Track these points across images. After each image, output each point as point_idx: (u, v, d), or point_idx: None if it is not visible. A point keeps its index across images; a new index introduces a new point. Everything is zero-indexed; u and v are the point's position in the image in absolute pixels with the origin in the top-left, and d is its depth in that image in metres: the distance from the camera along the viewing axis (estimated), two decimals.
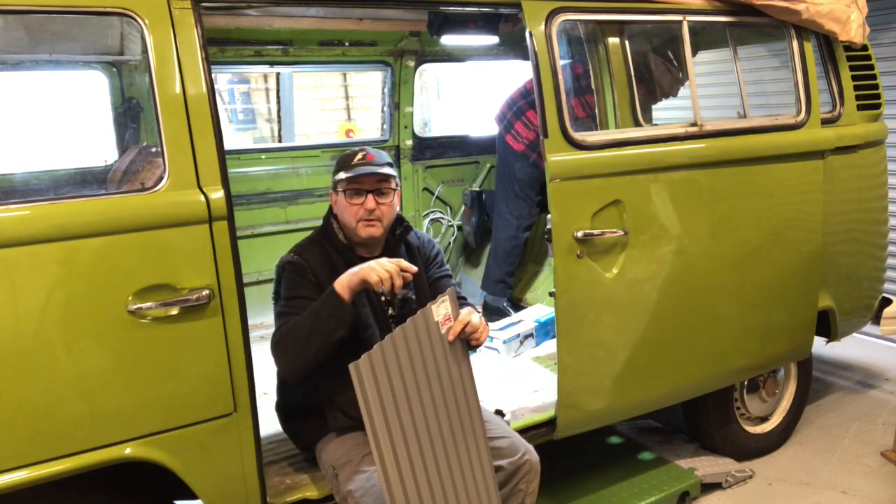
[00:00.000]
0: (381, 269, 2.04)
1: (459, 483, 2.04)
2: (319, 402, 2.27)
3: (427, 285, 2.41)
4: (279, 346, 2.12)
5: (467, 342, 2.10)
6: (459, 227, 4.48)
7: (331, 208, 2.35)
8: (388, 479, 1.86)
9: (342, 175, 2.24)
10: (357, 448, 2.20)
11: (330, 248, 2.28)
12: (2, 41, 2.34)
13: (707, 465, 3.19)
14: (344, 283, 2.06)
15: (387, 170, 2.25)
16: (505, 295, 4.07)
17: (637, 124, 3.26)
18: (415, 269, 2.12)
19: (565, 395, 2.61)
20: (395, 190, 2.28)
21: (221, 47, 3.49)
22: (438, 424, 2.00)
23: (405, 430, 1.91)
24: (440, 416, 2.00)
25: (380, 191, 2.23)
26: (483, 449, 2.12)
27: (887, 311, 3.57)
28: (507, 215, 3.97)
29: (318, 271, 2.22)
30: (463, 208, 4.42)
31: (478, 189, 4.39)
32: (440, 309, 2.02)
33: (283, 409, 2.43)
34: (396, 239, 2.37)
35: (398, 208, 2.34)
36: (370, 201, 2.22)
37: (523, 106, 3.85)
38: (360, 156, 2.27)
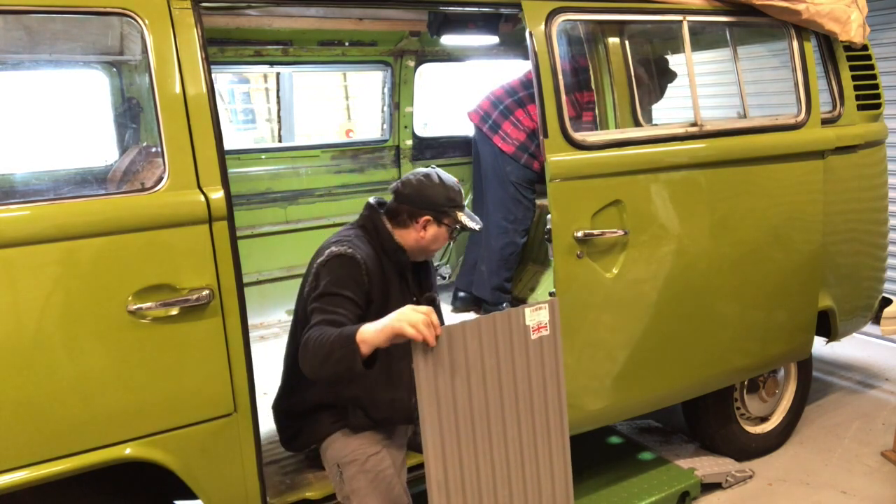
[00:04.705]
0: (421, 327, 1.79)
1: (517, 493, 2.02)
2: (340, 398, 2.24)
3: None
4: (303, 352, 2.01)
5: None
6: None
7: (371, 206, 2.30)
8: (430, 464, 1.87)
9: (466, 219, 2.28)
10: (363, 447, 2.20)
11: (380, 248, 2.25)
12: (2, 41, 2.34)
13: (707, 465, 3.19)
14: (369, 337, 1.86)
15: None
16: (505, 300, 4.02)
17: (637, 124, 3.27)
18: (440, 329, 1.88)
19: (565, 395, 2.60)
20: None
21: (221, 47, 3.49)
22: (504, 427, 1.96)
23: (458, 420, 1.89)
24: (507, 416, 1.97)
25: None
26: (560, 465, 2.09)
27: (887, 311, 3.57)
28: (502, 221, 3.83)
29: (371, 273, 2.15)
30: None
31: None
32: (535, 315, 2.00)
33: (284, 408, 2.40)
34: None
35: None
36: (446, 239, 2.34)
37: (511, 105, 3.73)
38: (463, 198, 2.34)
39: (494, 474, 1.98)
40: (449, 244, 2.50)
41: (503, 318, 1.95)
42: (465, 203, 4.31)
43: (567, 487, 2.12)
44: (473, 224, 2.29)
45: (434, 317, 1.81)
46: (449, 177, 2.33)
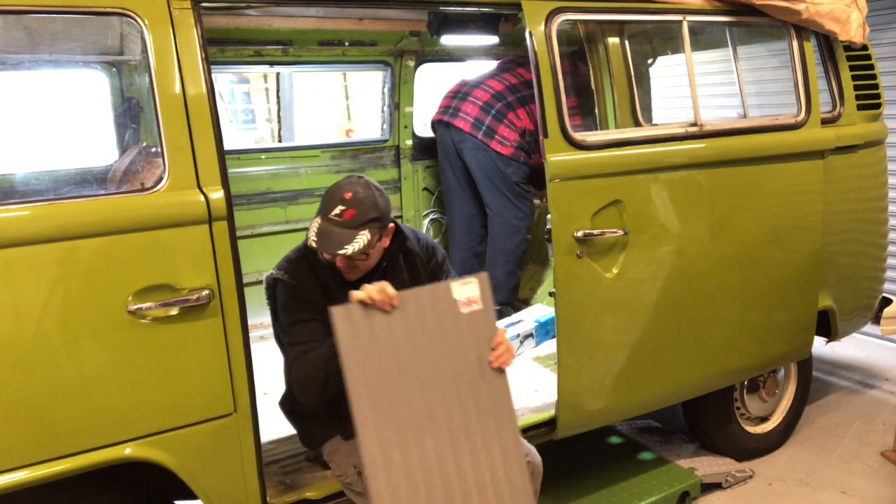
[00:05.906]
0: (371, 291, 1.85)
1: (468, 471, 1.95)
2: (319, 410, 2.24)
3: None
4: (299, 386, 2.08)
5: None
6: None
7: None
8: (365, 444, 1.82)
9: (313, 226, 2.02)
10: None
11: (317, 264, 2.15)
12: (2, 41, 2.34)
13: (707, 465, 3.19)
14: None
15: (357, 241, 1.98)
16: (514, 299, 4.05)
17: (637, 124, 3.27)
18: (395, 300, 1.89)
19: (565, 395, 2.61)
20: (367, 253, 2.05)
21: (221, 47, 3.49)
22: (443, 401, 1.93)
23: (392, 398, 1.86)
24: (447, 393, 1.94)
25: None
26: (509, 437, 2.01)
27: (887, 311, 3.57)
28: (513, 221, 3.87)
29: (311, 291, 2.12)
30: None
31: None
32: (464, 289, 1.95)
33: (287, 408, 2.41)
34: (391, 253, 2.22)
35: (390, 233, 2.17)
36: (338, 261, 2.08)
37: (502, 109, 3.76)
38: (337, 210, 2.00)
39: (442, 449, 1.92)
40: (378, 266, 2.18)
41: (428, 293, 1.95)
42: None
43: (519, 461, 2.04)
44: (312, 238, 2.01)
45: (390, 288, 1.86)
46: (340, 184, 2.08)
